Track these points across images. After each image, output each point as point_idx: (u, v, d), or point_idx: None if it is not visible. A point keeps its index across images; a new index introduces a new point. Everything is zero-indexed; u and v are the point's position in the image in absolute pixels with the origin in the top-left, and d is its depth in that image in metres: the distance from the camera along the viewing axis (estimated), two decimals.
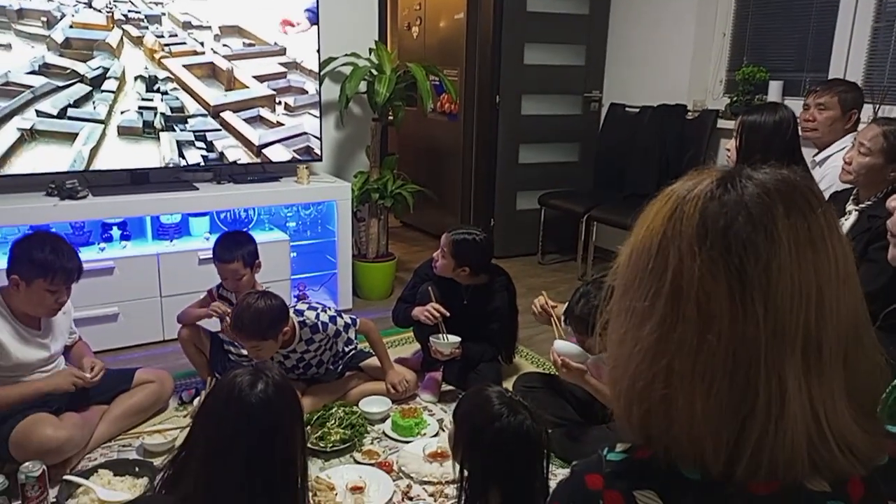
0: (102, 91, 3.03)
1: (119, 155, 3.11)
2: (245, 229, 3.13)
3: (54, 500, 1.87)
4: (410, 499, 2.03)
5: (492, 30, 4.31)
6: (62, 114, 2.97)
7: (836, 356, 0.62)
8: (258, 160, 3.41)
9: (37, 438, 1.99)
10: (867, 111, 2.93)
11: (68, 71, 2.96)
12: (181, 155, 3.24)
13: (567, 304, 2.24)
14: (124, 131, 3.11)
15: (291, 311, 2.38)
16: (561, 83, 4.49)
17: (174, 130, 3.21)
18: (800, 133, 2.56)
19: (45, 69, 2.91)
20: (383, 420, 2.44)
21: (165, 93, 3.16)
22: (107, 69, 3.03)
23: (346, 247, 3.55)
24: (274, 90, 3.38)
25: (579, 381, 2.11)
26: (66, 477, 1.95)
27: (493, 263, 2.80)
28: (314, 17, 3.40)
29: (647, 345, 0.64)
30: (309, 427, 2.25)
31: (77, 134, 3.00)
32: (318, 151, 3.54)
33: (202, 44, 3.21)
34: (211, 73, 3.25)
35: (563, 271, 4.31)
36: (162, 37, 3.12)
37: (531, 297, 2.51)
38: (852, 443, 0.62)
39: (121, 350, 2.96)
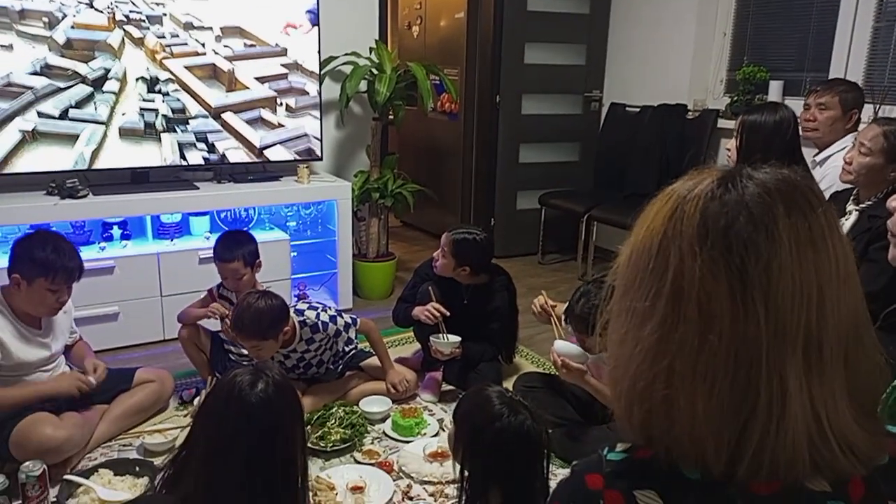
0: (104, 92, 3.03)
1: (120, 157, 3.12)
2: (245, 229, 3.13)
3: (55, 499, 1.87)
4: (411, 499, 2.03)
5: (492, 29, 4.31)
6: (64, 115, 2.97)
7: (837, 356, 0.62)
8: (258, 160, 3.41)
9: (37, 438, 1.99)
10: (867, 111, 2.93)
11: (70, 72, 2.96)
12: (182, 156, 3.24)
13: (567, 303, 2.24)
14: (126, 133, 3.11)
15: (292, 310, 2.38)
16: (561, 83, 4.49)
17: (175, 132, 3.21)
18: (800, 133, 2.56)
19: (46, 70, 2.91)
20: (383, 420, 2.44)
21: (167, 94, 3.16)
22: (108, 70, 3.03)
23: (346, 246, 3.55)
24: (275, 91, 3.39)
25: (579, 382, 2.11)
26: (66, 476, 1.95)
27: (493, 263, 2.80)
28: (315, 19, 3.40)
29: (647, 345, 0.64)
30: (309, 427, 2.25)
31: (78, 135, 3.00)
32: (318, 151, 3.54)
33: (203, 45, 3.21)
34: (212, 74, 3.25)
35: (563, 271, 4.31)
36: (163, 37, 3.12)
37: (531, 297, 2.51)
38: (853, 443, 0.62)
39: (121, 349, 2.96)
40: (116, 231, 3.14)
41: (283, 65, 3.39)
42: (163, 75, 3.14)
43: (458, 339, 2.60)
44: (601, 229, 4.07)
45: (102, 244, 3.07)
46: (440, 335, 2.61)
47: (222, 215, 3.41)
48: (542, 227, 4.43)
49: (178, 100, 3.19)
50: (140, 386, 2.39)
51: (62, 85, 2.95)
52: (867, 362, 0.65)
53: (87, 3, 2.95)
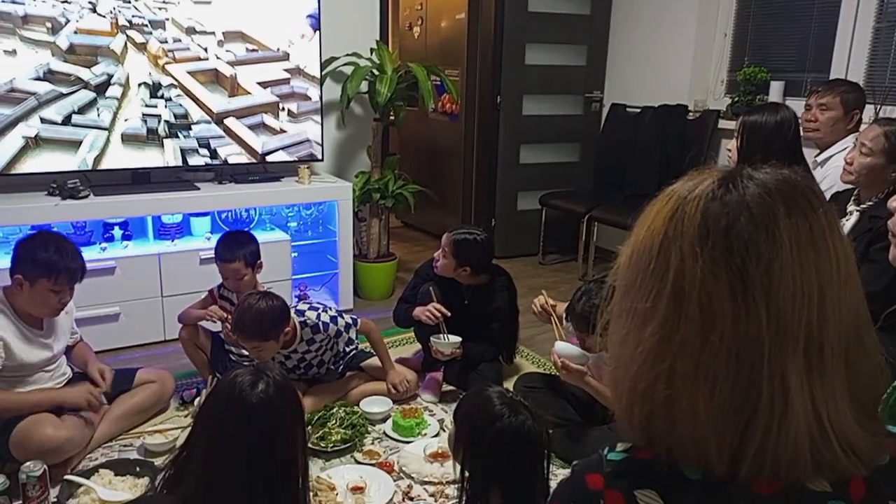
0: (107, 98, 3.04)
1: (123, 162, 3.13)
2: (246, 229, 3.13)
3: (55, 499, 1.87)
4: (411, 499, 2.03)
5: (493, 30, 4.31)
6: (66, 121, 2.97)
7: (838, 356, 0.62)
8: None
9: (37, 438, 1.99)
10: (868, 111, 2.93)
11: (73, 77, 2.96)
12: (185, 162, 3.25)
13: (569, 302, 2.24)
14: (128, 138, 3.11)
15: (292, 311, 2.38)
16: (562, 83, 4.49)
17: (178, 137, 3.22)
18: (801, 133, 2.56)
19: (49, 75, 2.92)
20: (384, 420, 2.44)
21: (169, 99, 3.17)
22: (111, 75, 3.03)
23: (347, 247, 3.55)
24: (277, 96, 3.39)
25: (579, 383, 2.11)
26: (67, 477, 1.95)
27: (493, 263, 2.80)
28: (316, 23, 3.41)
29: (648, 346, 0.64)
30: (310, 427, 2.25)
31: (81, 141, 3.01)
32: (319, 152, 3.54)
33: (206, 49, 3.21)
34: (214, 78, 3.25)
35: (563, 271, 4.31)
36: (166, 42, 3.12)
37: (532, 298, 2.51)
38: (854, 443, 0.62)
39: (122, 350, 2.96)
40: (117, 231, 3.14)
41: (285, 69, 3.39)
42: (165, 80, 3.15)
43: (459, 339, 2.60)
44: (602, 230, 4.07)
45: (103, 245, 3.07)
46: (441, 335, 2.61)
47: (223, 216, 3.41)
48: (542, 227, 4.43)
49: (181, 105, 3.19)
50: (141, 386, 2.39)
51: (65, 90, 2.95)
52: (868, 362, 0.65)
53: (90, 8, 2.95)
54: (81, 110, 2.99)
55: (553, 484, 1.53)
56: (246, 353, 2.46)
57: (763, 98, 3.65)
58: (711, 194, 0.63)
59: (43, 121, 2.93)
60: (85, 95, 2.99)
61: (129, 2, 3.02)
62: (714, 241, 0.61)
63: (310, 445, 2.12)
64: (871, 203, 2.17)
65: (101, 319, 2.91)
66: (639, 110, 4.21)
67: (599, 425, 2.22)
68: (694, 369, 0.61)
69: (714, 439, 0.61)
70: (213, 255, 2.63)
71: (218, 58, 3.24)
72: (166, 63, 3.13)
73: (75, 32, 2.93)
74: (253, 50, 3.31)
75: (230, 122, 3.31)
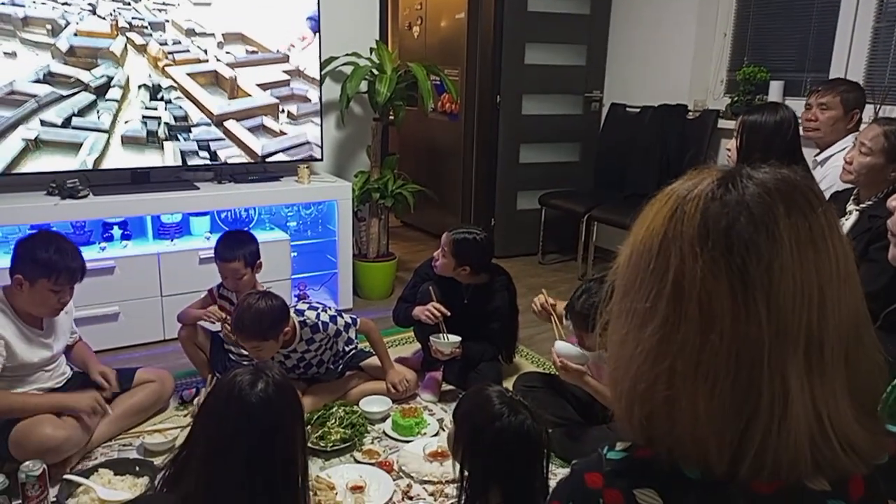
0: (107, 100, 3.03)
1: (122, 164, 3.13)
2: (246, 229, 3.13)
3: (55, 499, 1.87)
4: (410, 498, 2.03)
5: (493, 29, 4.31)
6: (66, 123, 2.97)
7: (838, 356, 0.62)
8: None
9: (36, 438, 1.99)
10: (868, 111, 2.93)
11: (73, 79, 2.95)
12: (184, 163, 3.25)
13: (569, 300, 2.24)
14: (128, 140, 3.11)
15: (292, 310, 2.38)
16: (562, 83, 4.49)
17: (178, 140, 3.21)
18: (801, 133, 2.56)
19: (49, 78, 2.91)
20: (383, 419, 2.44)
21: (169, 101, 3.16)
22: (111, 78, 3.03)
23: (346, 246, 3.55)
24: (277, 98, 3.38)
25: (579, 382, 2.11)
26: (66, 476, 1.95)
27: (493, 263, 2.80)
28: (316, 26, 3.41)
29: (648, 346, 0.63)
30: (309, 426, 2.25)
31: (81, 144, 3.01)
32: (318, 152, 3.54)
33: (205, 51, 3.20)
34: (214, 80, 3.25)
35: (563, 271, 4.31)
36: (165, 44, 3.12)
37: (531, 297, 2.51)
38: (854, 441, 0.62)
39: (121, 349, 2.96)
40: (117, 231, 3.14)
41: (284, 71, 3.39)
42: (165, 83, 3.14)
43: (459, 338, 2.60)
44: (601, 229, 4.07)
45: (103, 244, 3.07)
46: (440, 335, 2.61)
47: (222, 215, 3.41)
48: (542, 227, 4.43)
49: (181, 107, 3.19)
50: (140, 386, 2.39)
51: (65, 93, 2.95)
52: (867, 362, 0.65)
53: (89, 10, 2.95)
54: (81, 112, 2.99)
55: (552, 483, 1.53)
56: (245, 352, 2.46)
57: (763, 98, 3.65)
58: (711, 194, 0.63)
59: (43, 123, 2.92)
60: (85, 98, 2.99)
61: (129, 3, 3.01)
62: (714, 241, 0.61)
63: (309, 445, 2.12)
64: (870, 202, 2.17)
65: (100, 319, 2.91)
66: (638, 110, 4.21)
67: (599, 425, 2.23)
68: (694, 369, 0.61)
69: (714, 439, 0.61)
70: (213, 255, 2.63)
71: (218, 60, 3.23)
72: (166, 65, 3.13)
73: (75, 34, 2.93)
74: (253, 52, 3.30)
75: (230, 124, 3.31)
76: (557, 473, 1.98)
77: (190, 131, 3.23)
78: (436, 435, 2.35)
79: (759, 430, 0.60)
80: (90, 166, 3.03)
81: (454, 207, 4.78)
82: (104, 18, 2.97)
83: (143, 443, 2.23)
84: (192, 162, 3.26)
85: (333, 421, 2.30)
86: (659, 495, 0.64)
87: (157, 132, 3.15)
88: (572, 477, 0.71)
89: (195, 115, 3.23)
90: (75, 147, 3.00)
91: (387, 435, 2.36)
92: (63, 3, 2.88)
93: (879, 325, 1.73)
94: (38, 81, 2.89)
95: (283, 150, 3.44)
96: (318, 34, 3.41)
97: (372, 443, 2.32)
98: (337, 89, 3.63)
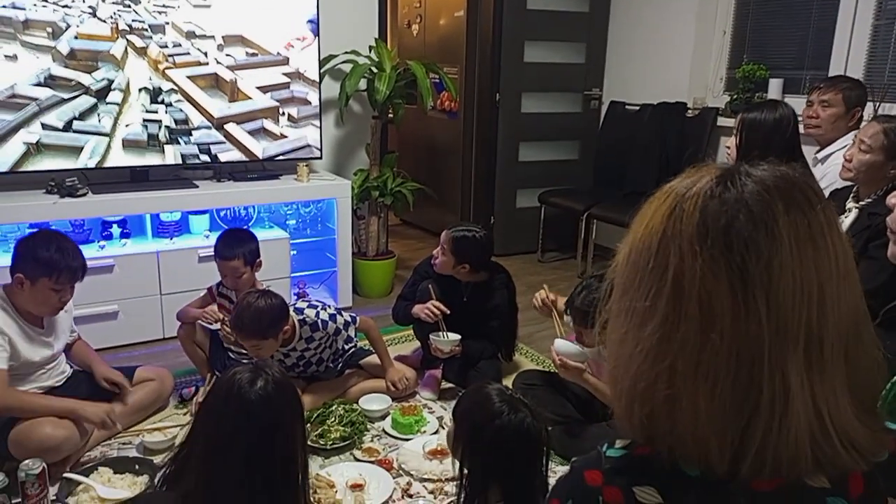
0: (107, 103, 3.03)
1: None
2: (245, 227, 3.13)
3: (54, 497, 1.87)
4: (410, 496, 2.03)
5: (492, 27, 4.31)
6: (67, 127, 2.97)
7: (838, 353, 0.62)
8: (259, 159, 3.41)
9: (36, 437, 1.99)
10: (867, 108, 2.93)
11: (73, 83, 2.95)
12: (184, 163, 3.25)
13: (569, 297, 2.24)
14: (129, 144, 3.11)
15: (291, 309, 2.38)
16: (561, 81, 4.49)
17: (178, 143, 3.21)
18: (800, 130, 2.56)
19: (50, 81, 2.91)
20: (383, 418, 2.44)
21: (170, 104, 3.16)
22: (111, 81, 3.03)
23: (345, 245, 3.55)
24: (277, 101, 3.38)
25: (578, 380, 2.11)
26: (66, 475, 1.95)
27: (492, 261, 2.80)
28: (315, 28, 3.40)
29: (648, 345, 0.63)
30: (309, 425, 2.25)
31: (82, 147, 3.01)
32: (318, 149, 3.54)
33: (206, 54, 3.20)
34: (214, 83, 3.24)
35: (562, 269, 4.31)
36: (166, 47, 3.11)
37: (531, 295, 2.51)
38: (855, 438, 0.62)
39: (121, 348, 2.96)
40: (116, 229, 3.14)
41: (284, 74, 3.38)
42: (165, 86, 3.14)
43: (458, 336, 2.60)
44: (601, 227, 4.07)
45: (102, 243, 3.06)
46: (440, 333, 2.61)
47: (222, 214, 3.41)
48: (541, 225, 4.43)
49: (181, 110, 3.19)
50: (140, 384, 2.39)
51: (66, 96, 2.95)
52: (867, 359, 0.65)
53: (90, 13, 2.94)
54: (82, 116, 2.99)
55: (552, 481, 1.53)
56: (245, 351, 2.46)
57: (762, 95, 3.65)
58: (710, 192, 0.63)
59: (44, 127, 2.92)
60: (86, 101, 2.99)
61: (129, 6, 3.01)
62: (713, 240, 0.61)
63: (309, 443, 2.12)
64: (869, 200, 2.17)
65: (99, 317, 2.91)
66: (638, 108, 4.21)
67: (598, 422, 2.23)
68: (694, 368, 0.61)
69: (715, 438, 0.61)
70: (212, 253, 2.63)
71: (218, 62, 3.23)
72: (166, 68, 3.13)
73: (76, 37, 2.93)
74: (253, 54, 3.30)
75: (230, 127, 3.31)
76: (557, 471, 1.98)
77: (190, 134, 3.23)
78: (435, 433, 2.35)
79: (760, 428, 0.60)
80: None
81: (453, 205, 4.78)
82: (104, 21, 2.97)
83: (142, 441, 2.23)
84: (197, 172, 3.27)
85: (333, 419, 2.30)
86: (659, 493, 0.64)
87: (157, 135, 3.15)
88: (572, 474, 0.71)
89: (196, 119, 3.23)
90: (76, 151, 3.00)
91: (386, 433, 2.36)
92: (63, 6, 2.87)
93: (879, 323, 1.73)
94: (38, 85, 2.89)
95: (283, 154, 3.45)
96: (317, 34, 3.41)
97: (372, 441, 2.32)
98: (336, 88, 3.62)
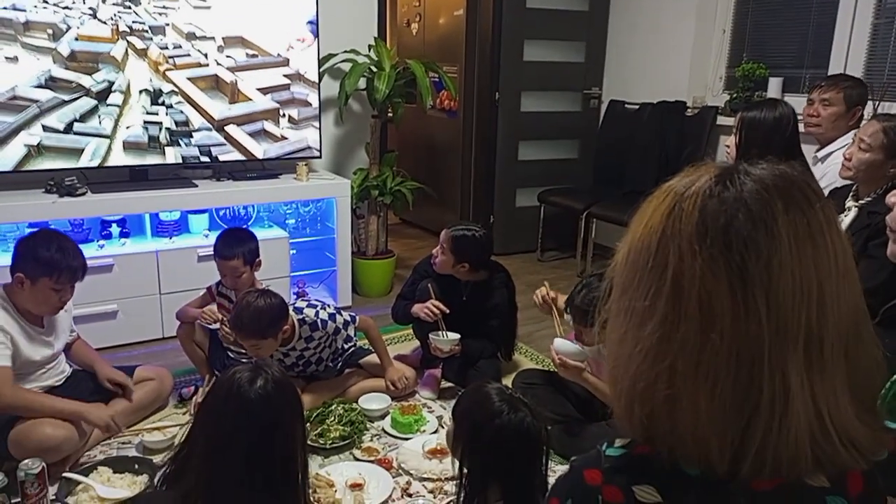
0: (108, 105, 3.03)
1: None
2: (245, 226, 3.13)
3: (54, 497, 1.87)
4: (410, 495, 2.03)
5: (491, 26, 4.30)
6: (68, 129, 2.97)
7: (838, 352, 0.62)
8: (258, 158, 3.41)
9: (36, 437, 1.99)
10: (867, 107, 2.93)
11: (74, 84, 2.95)
12: (183, 161, 3.24)
13: (569, 295, 2.24)
14: (130, 146, 3.11)
15: (291, 308, 2.38)
16: (560, 80, 4.49)
17: (179, 145, 3.21)
18: (800, 129, 2.55)
19: (51, 83, 2.91)
20: (383, 417, 2.44)
21: (170, 106, 3.16)
22: (112, 82, 3.02)
23: (345, 244, 3.54)
24: (278, 103, 3.38)
25: (577, 379, 2.11)
26: (65, 474, 1.95)
27: (492, 260, 2.79)
28: (315, 30, 3.40)
29: (648, 345, 0.63)
30: (308, 424, 2.25)
31: (83, 149, 3.00)
32: (317, 148, 3.54)
33: (206, 55, 3.19)
34: (215, 85, 3.24)
35: (562, 268, 4.31)
36: (166, 48, 3.11)
37: (530, 294, 2.51)
38: (855, 437, 0.62)
39: (120, 347, 2.96)
40: (115, 229, 3.14)
41: (285, 75, 3.38)
42: (166, 87, 3.14)
43: (458, 336, 2.60)
44: (600, 226, 4.07)
45: (101, 242, 3.06)
46: (439, 332, 2.61)
47: (221, 213, 3.40)
48: (541, 224, 4.43)
49: (182, 112, 3.19)
50: (139, 384, 2.39)
51: (66, 98, 2.94)
52: (866, 358, 0.65)
53: (90, 14, 2.94)
54: (83, 118, 2.99)
55: (551, 480, 1.53)
56: (244, 350, 2.46)
57: (762, 94, 3.65)
58: (709, 191, 0.63)
59: (45, 129, 2.92)
60: (86, 103, 2.99)
61: (129, 7, 3.00)
62: (713, 239, 0.61)
63: (308, 442, 2.12)
64: (869, 199, 2.17)
65: (99, 317, 2.91)
66: (637, 107, 4.20)
67: (598, 421, 2.23)
68: (694, 368, 0.61)
69: (716, 439, 0.61)
70: (212, 253, 2.63)
71: (218, 63, 3.23)
72: (167, 69, 3.12)
73: (76, 39, 2.92)
74: (253, 55, 3.29)
75: (231, 129, 3.30)
76: (556, 470, 1.97)
77: (191, 136, 3.23)
78: (435, 432, 2.35)
79: (760, 428, 0.60)
80: None
81: (453, 204, 4.78)
82: (105, 23, 2.97)
83: (142, 441, 2.23)
84: (197, 171, 3.26)
85: (333, 418, 2.30)
86: (658, 492, 0.64)
87: (158, 137, 3.15)
88: (571, 473, 0.71)
89: (196, 120, 3.23)
90: (77, 153, 3.00)
91: (386, 432, 2.36)
92: (64, 8, 2.87)
93: (878, 321, 1.73)
94: (39, 86, 2.89)
95: (284, 156, 3.45)
96: (316, 35, 3.40)
97: (371, 440, 2.32)
98: (335, 87, 3.62)
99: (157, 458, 2.11)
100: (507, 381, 2.54)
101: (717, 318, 0.60)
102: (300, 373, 2.54)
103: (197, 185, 3.21)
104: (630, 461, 0.68)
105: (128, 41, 3.03)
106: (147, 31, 3.06)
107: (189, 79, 3.18)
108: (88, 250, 2.89)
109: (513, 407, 1.52)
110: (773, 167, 0.64)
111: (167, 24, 3.10)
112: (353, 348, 2.67)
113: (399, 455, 2.20)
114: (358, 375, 2.64)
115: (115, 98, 3.04)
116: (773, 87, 3.61)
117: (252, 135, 3.35)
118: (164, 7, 3.07)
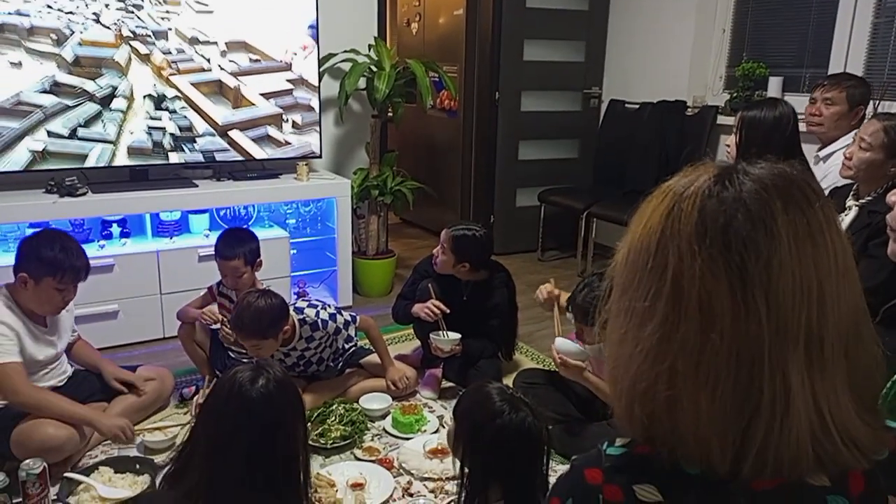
0: (112, 110, 3.04)
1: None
2: (245, 226, 3.13)
3: (55, 497, 1.87)
4: (411, 495, 2.03)
5: (491, 26, 4.30)
6: (73, 134, 2.97)
7: (838, 351, 0.62)
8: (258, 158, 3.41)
9: (38, 437, 1.99)
10: (868, 107, 2.93)
11: (78, 90, 2.95)
12: (183, 161, 3.25)
13: (571, 293, 2.24)
14: (134, 152, 3.11)
15: (291, 308, 2.38)
16: (560, 79, 4.49)
17: (183, 151, 3.21)
18: (800, 129, 2.55)
19: (55, 88, 2.91)
20: (384, 417, 2.45)
21: (174, 111, 3.16)
22: (115, 87, 3.03)
23: (345, 244, 3.55)
24: (281, 108, 3.38)
25: (578, 379, 2.11)
26: (66, 474, 1.95)
27: (492, 260, 2.80)
28: (316, 34, 3.40)
29: (648, 345, 0.63)
30: (309, 424, 2.25)
31: (87, 155, 3.01)
32: (317, 148, 3.54)
33: (209, 60, 3.20)
34: (218, 90, 3.24)
35: (562, 268, 4.31)
36: (169, 53, 3.11)
37: (531, 294, 2.51)
38: (856, 436, 0.62)
39: (121, 347, 2.96)
40: (116, 229, 3.14)
41: (288, 80, 3.38)
42: (170, 92, 3.14)
43: (458, 336, 2.60)
44: (600, 226, 4.07)
45: (102, 242, 3.07)
46: (440, 332, 2.61)
47: (221, 213, 3.41)
48: (541, 223, 4.43)
49: (186, 117, 3.19)
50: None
51: (70, 103, 2.95)
52: (867, 357, 0.65)
53: (94, 19, 2.94)
54: (87, 123, 2.99)
55: (552, 479, 1.53)
56: (245, 350, 2.46)
57: (762, 94, 3.65)
58: (708, 191, 0.63)
59: (49, 134, 2.92)
60: (90, 108, 2.99)
61: (133, 12, 3.00)
62: (712, 239, 0.61)
63: (309, 442, 2.12)
64: (869, 198, 2.17)
65: (99, 317, 2.91)
66: (637, 106, 4.21)
67: (599, 421, 2.23)
68: (695, 369, 0.61)
69: (717, 439, 0.61)
70: (213, 253, 2.63)
71: (221, 68, 3.22)
72: (170, 74, 3.13)
73: (80, 44, 2.93)
74: (256, 60, 3.29)
75: (234, 134, 3.31)
76: (557, 470, 1.98)
77: (195, 141, 3.23)
78: (436, 432, 2.35)
79: (761, 428, 0.60)
80: None
81: (453, 204, 4.78)
82: (108, 27, 2.97)
83: (143, 441, 2.23)
84: (197, 171, 3.26)
85: (333, 418, 2.30)
86: (659, 491, 0.64)
87: (162, 143, 3.15)
88: (572, 473, 0.71)
89: (200, 126, 3.23)
90: (81, 158, 3.00)
91: (387, 432, 2.37)
92: (68, 13, 2.87)
93: (879, 321, 1.73)
94: (43, 92, 2.89)
95: (284, 156, 3.45)
96: (317, 37, 3.41)
97: (372, 440, 2.32)
98: (335, 87, 3.62)
99: (158, 458, 2.11)
100: (508, 381, 2.54)
101: (717, 318, 0.60)
102: (301, 373, 2.54)
103: (197, 185, 3.21)
104: (631, 460, 0.68)
105: (131, 46, 3.03)
106: (150, 36, 3.06)
107: (192, 84, 3.18)
108: (89, 250, 2.87)
109: (514, 407, 1.52)
110: (772, 166, 0.64)
111: (170, 29, 3.10)
112: (353, 348, 2.67)
113: (400, 455, 2.20)
114: (359, 375, 2.64)
115: (118, 103, 3.04)
116: (773, 87, 3.61)
117: (256, 140, 3.35)
118: (167, 12, 3.07)
